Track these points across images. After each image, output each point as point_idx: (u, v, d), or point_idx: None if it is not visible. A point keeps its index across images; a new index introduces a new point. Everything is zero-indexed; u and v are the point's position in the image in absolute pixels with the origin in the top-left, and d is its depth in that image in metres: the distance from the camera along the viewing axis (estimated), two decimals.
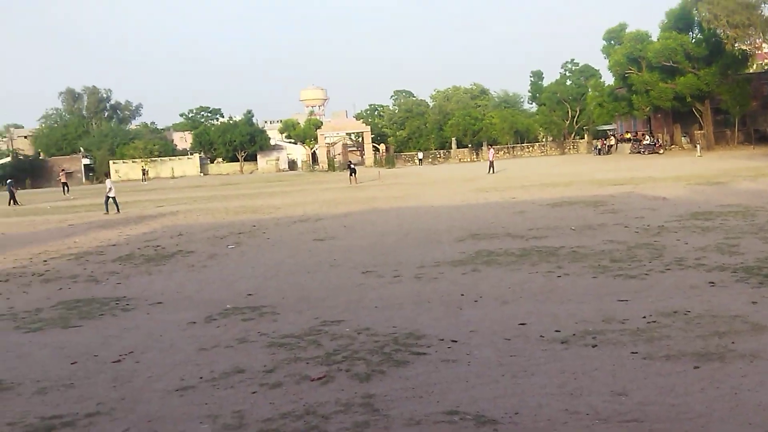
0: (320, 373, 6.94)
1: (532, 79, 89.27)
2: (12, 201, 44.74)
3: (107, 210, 31.62)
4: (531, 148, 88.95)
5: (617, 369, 6.59)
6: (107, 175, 31.89)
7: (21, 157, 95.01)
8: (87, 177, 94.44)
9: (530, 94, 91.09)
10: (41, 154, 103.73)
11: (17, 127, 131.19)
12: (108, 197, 32.08)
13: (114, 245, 19.08)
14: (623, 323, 8.12)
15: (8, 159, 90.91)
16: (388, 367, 7.04)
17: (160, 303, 11.08)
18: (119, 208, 31.72)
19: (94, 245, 19.35)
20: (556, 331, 7.97)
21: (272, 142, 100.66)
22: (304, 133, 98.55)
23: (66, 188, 56.11)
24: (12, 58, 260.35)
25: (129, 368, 7.61)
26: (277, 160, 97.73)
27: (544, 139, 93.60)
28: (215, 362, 7.60)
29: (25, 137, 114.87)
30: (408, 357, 7.33)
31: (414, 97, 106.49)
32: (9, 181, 49.15)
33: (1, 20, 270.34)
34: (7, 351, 8.65)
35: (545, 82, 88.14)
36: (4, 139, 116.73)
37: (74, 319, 10.23)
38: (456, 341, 7.81)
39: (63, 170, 66.46)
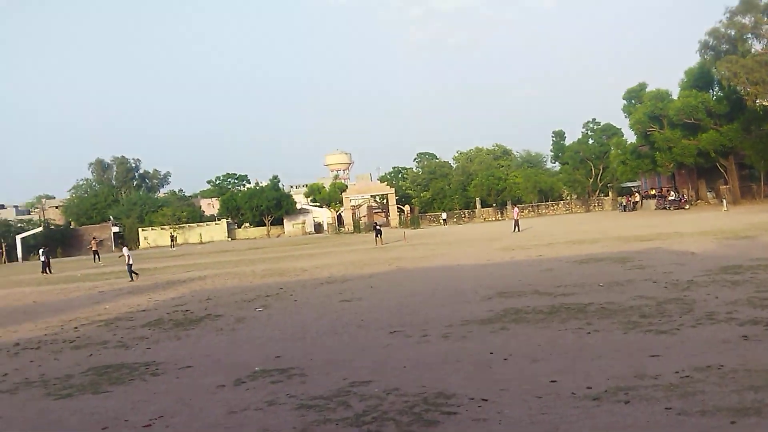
0: None
1: (554, 138, 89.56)
2: (46, 269, 45.33)
3: (132, 277, 31.67)
4: (555, 206, 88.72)
5: (651, 425, 6.45)
6: (123, 243, 31.79)
7: (52, 227, 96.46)
8: (116, 244, 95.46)
9: (552, 153, 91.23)
10: (72, 223, 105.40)
11: (49, 197, 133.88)
12: (129, 265, 32.26)
13: (143, 311, 19.17)
14: (656, 379, 7.97)
15: (40, 229, 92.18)
16: (419, 427, 6.95)
17: (190, 367, 11.06)
18: (132, 275, 31.78)
19: (123, 311, 19.46)
20: (588, 387, 7.84)
21: (298, 206, 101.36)
22: (329, 197, 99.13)
23: (97, 256, 56.77)
24: (42, 131, 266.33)
25: None
26: (303, 223, 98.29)
27: (568, 197, 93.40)
28: (245, 425, 7.54)
29: (56, 207, 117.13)
30: (438, 417, 7.23)
31: (437, 158, 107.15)
32: (42, 249, 49.90)
33: (30, 96, 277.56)
34: (39, 418, 8.67)
35: (567, 141, 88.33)
36: (36, 210, 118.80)
37: (104, 384, 10.24)
38: (486, 400, 7.70)
39: (94, 238, 67.32)
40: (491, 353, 10.09)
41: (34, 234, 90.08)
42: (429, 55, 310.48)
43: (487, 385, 8.33)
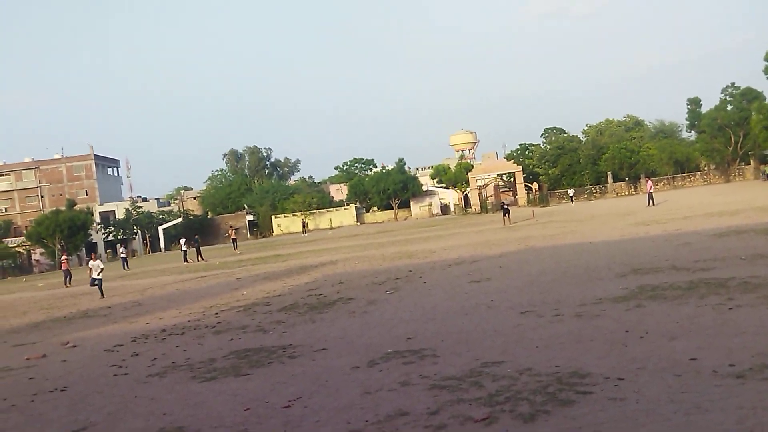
0: (484, 414, 6.89)
1: (689, 106, 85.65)
2: (199, 257, 47.60)
3: (102, 294, 27.07)
4: (692, 178, 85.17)
5: None
6: (93, 255, 27.24)
7: (191, 217, 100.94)
8: (251, 232, 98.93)
9: (688, 122, 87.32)
10: (209, 213, 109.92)
11: (187, 189, 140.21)
12: (94, 279, 27.26)
13: (279, 296, 19.82)
14: None
15: (180, 219, 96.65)
16: (553, 407, 6.90)
17: (324, 349, 11.38)
18: (103, 293, 27.18)
19: (260, 297, 20.17)
20: (731, 365, 7.54)
21: (424, 188, 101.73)
22: (455, 177, 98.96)
23: (235, 244, 59.08)
24: (180, 127, 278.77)
25: (298, 413, 7.86)
26: (430, 205, 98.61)
27: (706, 168, 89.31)
28: (380, 405, 7.71)
29: (194, 198, 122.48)
30: (573, 396, 7.16)
31: (565, 133, 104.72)
32: (195, 237, 52.57)
33: (167, 94, 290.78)
34: (186, 399, 9.15)
35: (704, 109, 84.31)
36: (175, 201, 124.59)
37: (245, 367, 10.68)
38: (622, 379, 7.55)
39: (231, 227, 70.04)
40: (626, 331, 9.85)
41: (174, 224, 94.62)
42: (554, 24, 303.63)
43: (623, 364, 8.16)
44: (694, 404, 6.47)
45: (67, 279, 38.23)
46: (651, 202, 46.59)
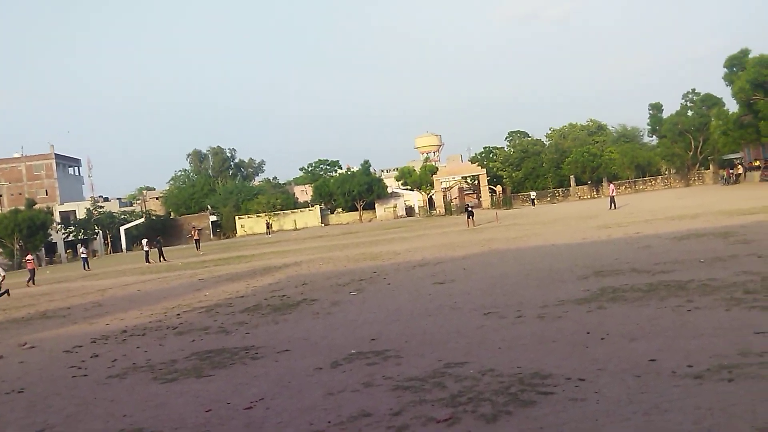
0: (446, 415, 6.92)
1: (651, 111, 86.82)
2: (161, 258, 47.16)
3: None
4: (653, 182, 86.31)
5: (757, 404, 6.25)
6: None
7: (153, 218, 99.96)
8: (215, 233, 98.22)
9: (650, 126, 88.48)
10: (171, 213, 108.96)
11: (149, 189, 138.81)
12: None
13: (242, 297, 19.70)
14: (761, 356, 7.70)
15: (142, 220, 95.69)
16: (515, 407, 6.95)
17: (287, 350, 11.33)
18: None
19: (223, 298, 20.04)
20: (689, 366, 7.65)
21: (389, 190, 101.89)
22: (420, 180, 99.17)
23: (198, 245, 58.69)
24: (143, 126, 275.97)
25: (260, 414, 7.81)
26: (395, 207, 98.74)
27: (666, 172, 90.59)
28: (342, 406, 7.70)
29: (157, 198, 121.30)
30: (534, 397, 7.21)
31: (529, 137, 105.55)
32: (158, 238, 52.01)
33: (130, 92, 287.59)
34: (147, 401, 9.05)
35: (665, 114, 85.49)
36: (137, 202, 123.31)
37: (207, 368, 10.60)
38: (583, 380, 7.63)
39: (194, 228, 69.53)
40: (588, 333, 9.95)
41: (136, 225, 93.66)
42: (521, 29, 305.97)
43: (584, 365, 8.24)
44: (653, 404, 6.55)
45: (32, 279, 37.63)
46: (613, 205, 47.15)
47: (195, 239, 60.02)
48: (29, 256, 41.30)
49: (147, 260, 47.43)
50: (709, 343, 8.56)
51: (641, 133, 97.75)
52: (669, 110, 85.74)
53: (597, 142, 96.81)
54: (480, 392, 7.59)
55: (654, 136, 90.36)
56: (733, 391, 6.69)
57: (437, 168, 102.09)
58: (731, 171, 70.17)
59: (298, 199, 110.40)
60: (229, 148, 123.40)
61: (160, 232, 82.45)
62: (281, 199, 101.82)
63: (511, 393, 7.42)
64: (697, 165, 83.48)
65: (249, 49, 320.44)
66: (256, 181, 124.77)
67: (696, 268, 14.97)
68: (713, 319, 9.87)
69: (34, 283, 36.89)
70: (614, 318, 10.81)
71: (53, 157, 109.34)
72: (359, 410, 7.45)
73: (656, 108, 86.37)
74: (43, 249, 78.78)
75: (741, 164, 70.87)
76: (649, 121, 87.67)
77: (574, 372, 7.97)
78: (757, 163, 66.06)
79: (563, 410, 6.70)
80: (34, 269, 38.82)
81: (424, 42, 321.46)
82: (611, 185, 53.10)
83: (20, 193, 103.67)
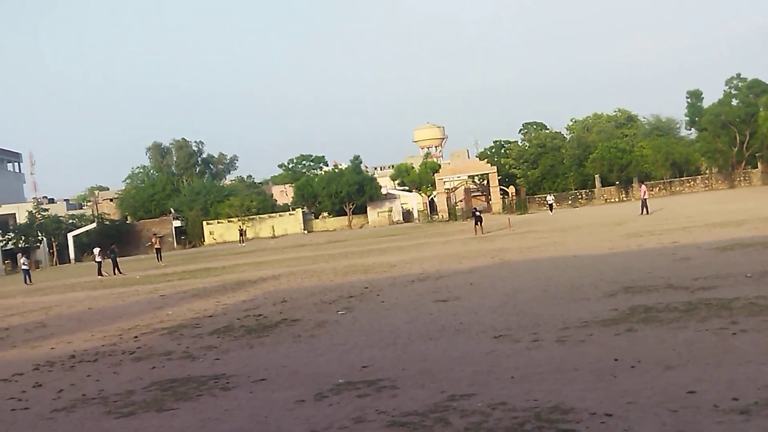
0: None
1: (689, 100, 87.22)
2: (115, 270, 47.10)
3: None
4: (692, 183, 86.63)
5: None
6: None
7: (107, 222, 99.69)
8: (179, 241, 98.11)
9: (688, 118, 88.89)
10: (128, 217, 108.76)
11: (102, 189, 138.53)
12: None
13: (210, 316, 19.68)
14: None
15: (93, 225, 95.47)
16: None
17: (264, 380, 11.32)
18: None
19: (188, 317, 20.02)
20: (734, 399, 7.68)
21: (384, 191, 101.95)
22: (419, 179, 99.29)
23: (159, 255, 58.66)
24: (94, 116, 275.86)
25: None
26: (390, 211, 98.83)
27: (707, 171, 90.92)
28: None
29: (111, 200, 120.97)
30: None
31: (547, 129, 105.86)
32: (112, 247, 51.80)
33: (77, 77, 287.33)
34: None
35: (705, 103, 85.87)
36: (88, 204, 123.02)
37: (169, 401, 10.58)
38: (611, 415, 7.64)
39: (155, 235, 69.49)
40: (616, 360, 9.98)
41: (87, 231, 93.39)
42: (538, 4, 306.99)
43: (612, 398, 8.26)
44: None
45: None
46: (645, 210, 47.27)
47: (156, 248, 60.02)
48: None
49: (99, 273, 47.29)
50: (758, 372, 8.58)
51: (678, 126, 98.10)
52: (710, 99, 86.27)
53: (626, 135, 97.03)
54: (490, 429, 7.60)
55: (692, 129, 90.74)
56: None
57: (440, 165, 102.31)
58: None
59: (276, 201, 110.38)
60: (195, 141, 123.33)
61: (114, 239, 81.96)
62: (257, 202, 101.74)
63: (526, 431, 7.43)
64: (743, 163, 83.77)
65: (218, 23, 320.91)
66: (228, 179, 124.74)
67: (741, 284, 15.02)
68: (762, 344, 9.91)
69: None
70: (646, 342, 10.84)
71: None
72: None
73: (695, 96, 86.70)
74: None
75: None
76: (687, 111, 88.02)
77: (599, 406, 7.98)
78: None
79: None
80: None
81: (424, 15, 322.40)
82: (643, 186, 53.27)
83: None
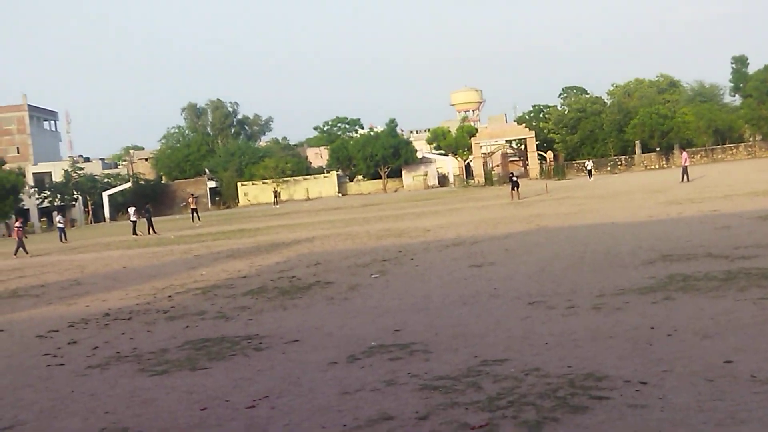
0: (482, 421, 6.94)
1: (734, 66, 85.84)
2: (150, 229, 47.57)
3: None
4: (735, 150, 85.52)
5: None
6: None
7: (142, 182, 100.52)
8: (213, 202, 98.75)
9: (732, 84, 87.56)
10: (163, 177, 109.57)
11: (137, 149, 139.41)
12: None
13: (244, 277, 19.83)
14: None
15: (128, 184, 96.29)
16: (563, 413, 6.95)
17: (297, 341, 11.40)
18: None
19: (222, 278, 20.18)
20: None
21: (419, 155, 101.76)
22: (456, 143, 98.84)
23: (195, 215, 59.07)
24: (130, 75, 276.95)
25: (264, 415, 7.88)
26: (425, 175, 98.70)
27: (751, 139, 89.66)
28: (360, 408, 7.74)
29: (146, 160, 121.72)
30: (587, 402, 7.21)
31: (587, 94, 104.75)
32: (147, 206, 52.29)
33: (114, 36, 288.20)
34: (132, 396, 9.14)
35: (751, 69, 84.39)
36: (124, 163, 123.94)
37: (202, 360, 10.69)
38: (645, 383, 7.61)
39: (192, 195, 70.05)
40: (652, 328, 9.93)
41: (122, 190, 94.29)
42: None
43: (647, 366, 8.22)
44: (729, 414, 6.53)
45: (18, 248, 38.11)
46: (686, 177, 46.80)
47: (192, 208, 60.50)
48: (18, 223, 41.62)
49: (134, 232, 47.73)
50: None
51: (722, 92, 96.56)
52: (756, 65, 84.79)
53: (668, 101, 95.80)
54: (522, 395, 7.60)
55: (737, 96, 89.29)
56: None
57: (477, 129, 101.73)
58: None
59: (311, 163, 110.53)
60: (230, 102, 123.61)
61: (149, 199, 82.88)
62: (291, 164, 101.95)
63: (560, 397, 7.42)
64: None
65: None
66: (263, 141, 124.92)
67: None
68: None
69: (16, 255, 37.43)
70: (684, 311, 10.77)
71: (26, 108, 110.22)
72: (379, 412, 7.49)
73: (740, 62, 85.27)
74: (13, 216, 79.60)
75: None
76: (731, 77, 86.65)
77: (634, 374, 7.96)
78: None
79: (620, 418, 6.69)
80: (21, 238, 39.24)
81: None
82: (684, 153, 52.76)
83: None
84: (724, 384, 7.36)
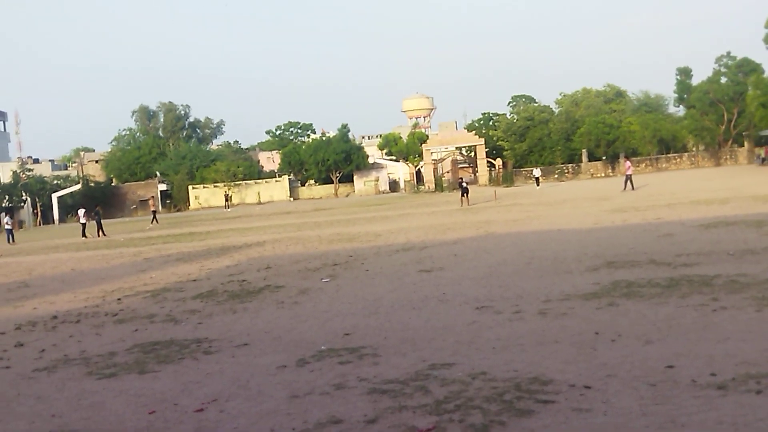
0: (429, 424, 6.97)
1: (678, 77, 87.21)
2: (100, 231, 47.04)
3: None
4: (678, 160, 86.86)
5: None
6: None
7: (92, 184, 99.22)
8: (164, 204, 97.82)
9: (676, 95, 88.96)
10: (113, 180, 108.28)
11: (88, 150, 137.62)
12: None
13: (194, 280, 19.69)
14: None
15: (78, 186, 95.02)
16: (509, 417, 7.01)
17: (246, 344, 11.35)
18: None
19: (172, 281, 20.02)
20: (712, 374, 7.75)
21: (371, 160, 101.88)
22: (407, 149, 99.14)
23: (155, 217, 59.55)
24: (80, 76, 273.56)
25: (213, 418, 7.83)
26: (377, 180, 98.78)
27: (694, 149, 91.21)
28: (309, 411, 7.74)
29: (96, 162, 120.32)
30: (532, 405, 7.27)
31: (536, 102, 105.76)
32: (97, 209, 51.76)
33: (65, 37, 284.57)
34: (80, 399, 9.04)
35: (695, 81, 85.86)
36: (74, 165, 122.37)
37: (151, 363, 10.60)
38: (590, 387, 7.70)
39: (153, 198, 70.31)
40: (596, 333, 10.04)
41: (71, 192, 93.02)
42: None
43: (591, 370, 8.32)
44: (669, 418, 6.63)
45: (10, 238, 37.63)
46: (629, 185, 47.38)
47: (152, 210, 61.69)
48: (7, 218, 40.65)
49: (84, 234, 47.15)
50: (736, 349, 8.66)
51: (666, 103, 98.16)
52: (699, 76, 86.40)
53: (614, 111, 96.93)
54: (469, 399, 7.65)
55: (681, 107, 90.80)
56: (761, 404, 6.78)
57: (427, 136, 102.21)
58: None
59: (263, 167, 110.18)
60: (182, 105, 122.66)
61: (99, 201, 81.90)
62: (243, 167, 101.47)
63: (506, 401, 7.48)
64: (730, 141, 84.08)
65: None
66: (214, 144, 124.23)
67: (724, 261, 15.12)
68: (741, 321, 9.99)
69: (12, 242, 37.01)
70: (627, 317, 10.91)
71: None
72: (328, 416, 7.49)
73: (684, 73, 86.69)
74: None
75: None
76: (675, 88, 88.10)
77: (579, 378, 8.05)
78: None
79: (565, 422, 6.77)
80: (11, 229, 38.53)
81: None
82: (627, 162, 53.36)
83: None
84: (666, 388, 7.47)
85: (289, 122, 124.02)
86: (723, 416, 6.56)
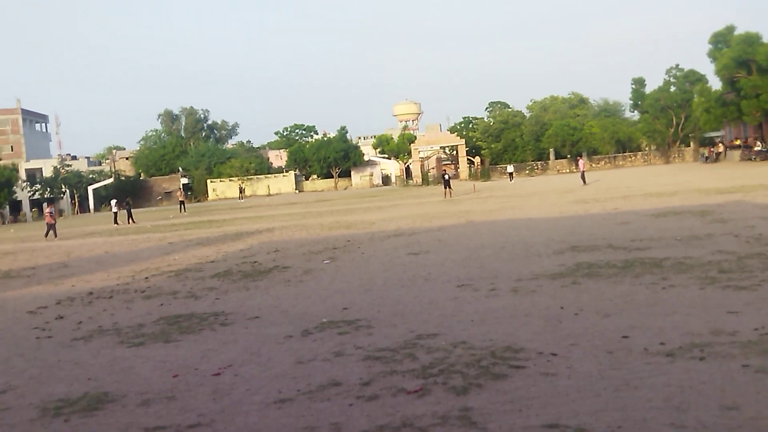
0: (417, 386, 6.98)
1: (633, 86, 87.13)
2: (130, 219, 46.91)
3: None
4: (633, 158, 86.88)
5: (727, 382, 6.38)
6: None
7: (123, 178, 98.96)
8: (186, 196, 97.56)
9: (632, 101, 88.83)
10: (141, 174, 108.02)
11: (119, 149, 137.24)
12: None
13: (212, 262, 19.66)
14: (733, 335, 7.86)
15: (111, 180, 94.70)
16: (486, 380, 7.02)
17: (258, 317, 11.34)
18: None
19: (192, 262, 19.98)
20: (661, 344, 7.77)
21: (366, 158, 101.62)
22: (397, 148, 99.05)
23: (183, 206, 59.74)
24: (114, 84, 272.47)
25: (228, 381, 7.84)
26: (371, 175, 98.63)
27: (647, 148, 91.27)
28: (312, 375, 7.74)
29: (127, 158, 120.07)
30: (506, 370, 7.29)
31: (510, 108, 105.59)
32: (127, 199, 51.75)
33: (101, 49, 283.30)
34: (112, 365, 9.03)
35: (648, 89, 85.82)
36: (107, 161, 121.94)
37: (175, 333, 10.59)
38: (555, 354, 7.72)
39: (180, 190, 70.48)
40: (561, 308, 10.06)
41: (105, 185, 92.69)
42: None
43: (557, 340, 8.34)
44: (624, 381, 6.66)
45: (49, 232, 37.30)
46: (583, 180, 47.27)
47: (180, 200, 62.55)
48: (49, 209, 40.34)
49: (115, 221, 47.04)
50: (682, 322, 8.69)
51: (623, 108, 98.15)
52: (652, 85, 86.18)
53: (578, 115, 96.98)
54: (451, 364, 7.66)
55: (636, 112, 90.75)
56: (703, 369, 6.81)
57: (415, 137, 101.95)
58: (712, 149, 70.81)
59: (272, 164, 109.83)
60: (202, 109, 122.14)
61: (129, 193, 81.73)
62: (255, 164, 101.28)
63: (483, 366, 7.50)
64: (678, 142, 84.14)
65: (225, 8, 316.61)
66: (230, 144, 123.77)
67: (672, 246, 15.14)
68: (687, 298, 10.02)
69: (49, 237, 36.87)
70: (589, 294, 10.93)
71: (20, 112, 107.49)
72: (329, 379, 7.50)
73: (639, 83, 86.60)
74: (7, 207, 77.99)
75: (722, 143, 71.51)
76: (631, 96, 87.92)
77: (546, 346, 8.07)
78: (738, 142, 66.69)
79: (534, 384, 6.79)
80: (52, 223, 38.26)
81: (403, 8, 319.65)
82: (581, 160, 53.23)
83: None
84: (621, 356, 7.50)
85: (295, 124, 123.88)
86: (671, 380, 6.58)
